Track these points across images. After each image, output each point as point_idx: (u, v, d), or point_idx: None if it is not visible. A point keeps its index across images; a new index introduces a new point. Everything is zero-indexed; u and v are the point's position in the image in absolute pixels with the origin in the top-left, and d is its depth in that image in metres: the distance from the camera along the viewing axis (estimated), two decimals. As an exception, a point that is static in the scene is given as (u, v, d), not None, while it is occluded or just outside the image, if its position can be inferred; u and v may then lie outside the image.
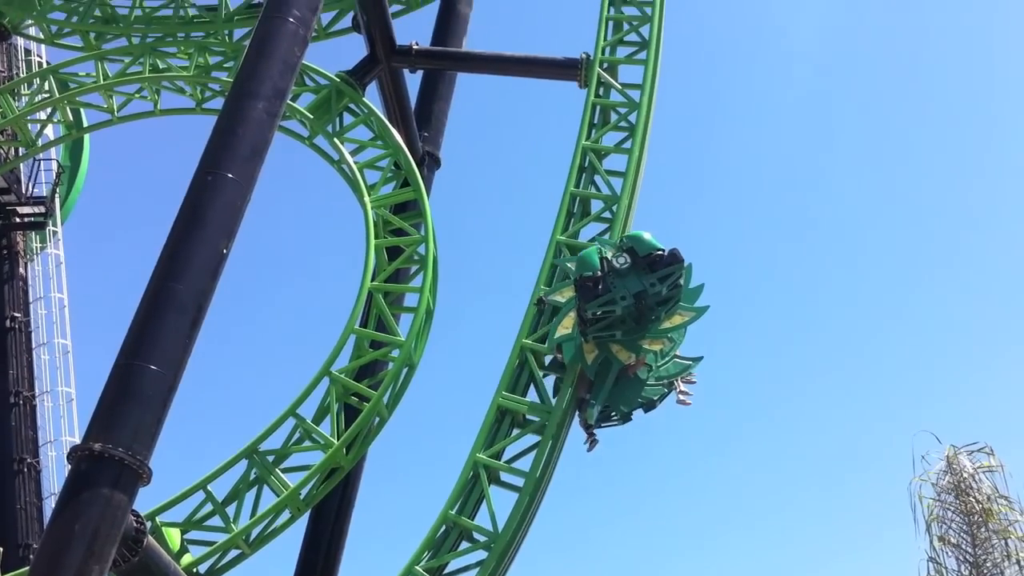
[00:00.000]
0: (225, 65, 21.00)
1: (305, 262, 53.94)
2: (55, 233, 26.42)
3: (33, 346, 25.13)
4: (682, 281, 15.38)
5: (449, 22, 22.42)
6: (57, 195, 26.53)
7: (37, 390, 24.68)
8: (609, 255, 15.45)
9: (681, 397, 15.47)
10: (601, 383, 15.31)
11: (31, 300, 25.73)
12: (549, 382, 15.86)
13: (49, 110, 22.06)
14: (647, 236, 15.52)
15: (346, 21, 20.98)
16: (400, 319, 17.25)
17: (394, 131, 19.06)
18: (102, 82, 21.40)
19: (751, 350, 56.55)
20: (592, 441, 15.35)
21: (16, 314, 25.16)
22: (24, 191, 25.99)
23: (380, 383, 15.97)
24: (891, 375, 56.26)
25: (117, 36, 22.30)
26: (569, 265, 16.22)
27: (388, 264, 17.51)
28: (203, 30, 21.75)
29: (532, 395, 15.73)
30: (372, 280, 17.03)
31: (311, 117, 19.14)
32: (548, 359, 15.96)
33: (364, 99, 19.47)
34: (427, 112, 22.01)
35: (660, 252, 15.31)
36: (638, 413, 15.56)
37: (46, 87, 22.04)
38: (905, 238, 58.41)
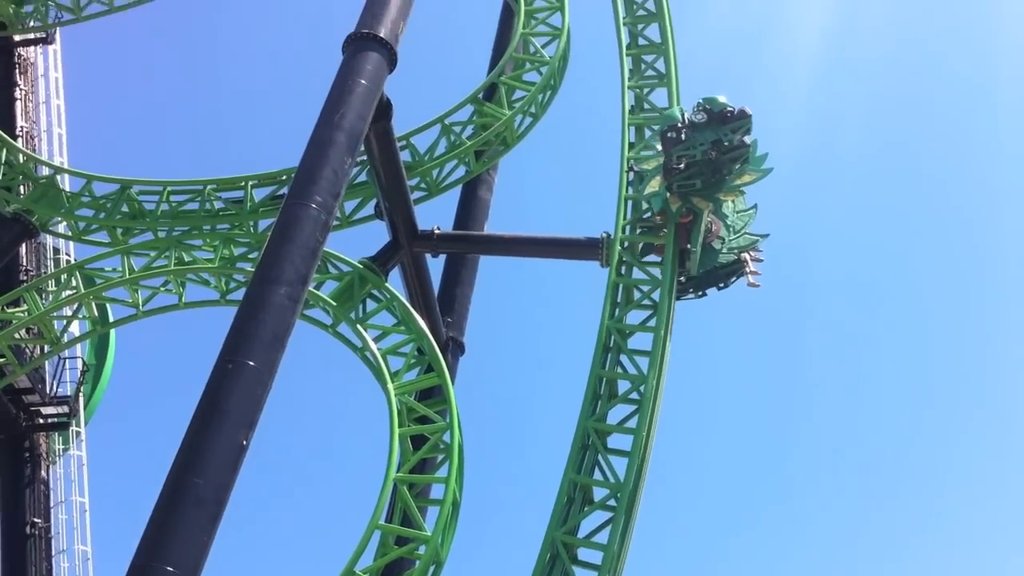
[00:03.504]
0: (250, 256, 21.15)
1: (327, 452, 53.16)
2: (78, 434, 26.11)
3: (53, 553, 24.52)
4: (748, 139, 17.74)
5: (470, 208, 22.78)
6: (81, 394, 26.37)
7: (55, 598, 23.95)
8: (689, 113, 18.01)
9: (751, 279, 18.24)
10: (696, 231, 17.94)
11: (52, 505, 25.24)
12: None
13: (75, 306, 22.13)
14: (720, 97, 17.90)
15: (368, 209, 21.18)
16: (426, 511, 16.73)
17: (417, 316, 18.99)
18: (128, 276, 21.57)
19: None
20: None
21: (36, 519, 24.68)
22: (48, 390, 25.86)
23: (407, 582, 15.33)
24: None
25: (144, 231, 22.55)
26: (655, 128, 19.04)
27: (413, 454, 17.14)
28: (228, 222, 21.95)
29: None
30: (397, 471, 16.63)
31: (334, 304, 19.13)
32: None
33: (387, 284, 19.50)
34: (450, 298, 22.11)
35: (731, 109, 17.71)
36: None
37: (72, 283, 22.21)
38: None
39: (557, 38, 21.81)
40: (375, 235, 20.74)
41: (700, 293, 18.75)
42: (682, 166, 17.86)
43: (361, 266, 19.60)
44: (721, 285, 18.68)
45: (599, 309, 18.06)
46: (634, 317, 18.11)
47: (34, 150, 27.88)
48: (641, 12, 22.33)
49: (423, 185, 20.97)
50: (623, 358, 17.64)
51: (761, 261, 18.45)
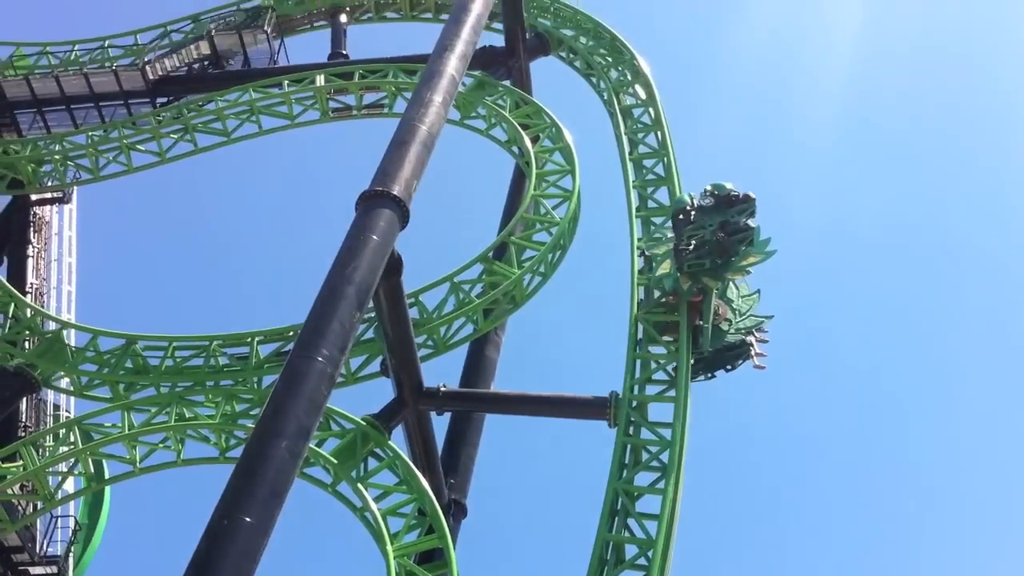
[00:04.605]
0: (252, 412, 20.81)
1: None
2: (67, 595, 25.34)
3: None
4: (753, 222, 18.98)
5: (477, 367, 22.64)
6: (72, 554, 25.67)
7: None
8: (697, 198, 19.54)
9: (756, 361, 19.17)
10: (707, 306, 19.06)
11: (35, 670, 24.27)
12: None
13: (71, 461, 21.65)
14: (727, 184, 19.38)
15: (374, 366, 20.95)
16: None
17: (420, 476, 18.54)
18: (127, 432, 21.19)
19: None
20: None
21: None
22: (38, 549, 25.17)
23: None
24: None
25: (147, 387, 22.30)
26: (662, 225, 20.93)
27: (412, 620, 16.47)
28: (232, 378, 21.76)
29: None
30: None
31: (335, 462, 18.70)
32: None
33: (390, 442, 19.10)
34: (454, 458, 21.70)
35: (737, 193, 19.20)
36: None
37: (70, 438, 21.81)
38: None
39: (568, 200, 21.98)
40: (379, 392, 20.49)
41: (710, 375, 19.52)
42: (692, 246, 19.07)
43: (364, 423, 19.26)
44: (729, 367, 19.50)
45: (606, 470, 17.65)
46: (643, 478, 17.68)
47: (43, 306, 27.97)
48: (651, 176, 22.77)
49: (430, 342, 20.75)
50: (631, 521, 17.12)
51: (767, 342, 19.45)
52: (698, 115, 52.23)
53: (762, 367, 19.15)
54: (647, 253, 20.41)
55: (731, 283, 19.61)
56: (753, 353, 19.19)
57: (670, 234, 19.84)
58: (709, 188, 19.49)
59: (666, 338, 19.41)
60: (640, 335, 19.59)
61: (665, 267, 19.64)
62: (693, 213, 19.28)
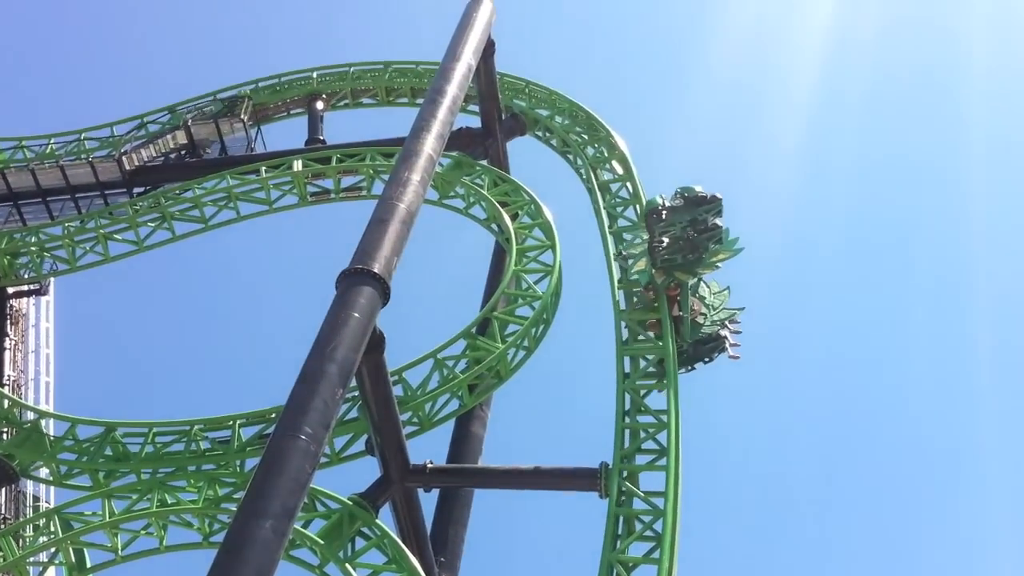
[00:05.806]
0: (235, 496, 20.48)
1: None
2: None
3: None
4: (721, 221, 20.56)
5: (463, 443, 22.45)
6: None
7: None
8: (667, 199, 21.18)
9: (731, 352, 20.64)
10: (684, 298, 20.57)
11: None
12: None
13: (52, 551, 21.19)
14: (696, 187, 21.01)
15: (359, 445, 20.66)
16: None
17: (409, 554, 18.23)
18: (108, 520, 20.81)
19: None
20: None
21: None
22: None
23: None
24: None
25: (127, 474, 21.92)
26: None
27: None
28: (214, 462, 21.42)
29: None
30: None
31: (321, 543, 18.37)
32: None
33: (378, 521, 18.81)
34: (443, 536, 21.39)
35: (705, 194, 20.85)
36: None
37: (51, 528, 21.36)
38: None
39: (549, 274, 22.03)
40: (365, 471, 20.22)
41: (689, 368, 20.67)
42: (664, 243, 20.54)
43: (350, 503, 18.97)
44: (707, 359, 20.74)
45: (600, 541, 17.40)
46: (637, 548, 17.43)
47: (21, 397, 27.63)
48: (632, 249, 22.86)
49: (415, 419, 20.52)
50: (626, 593, 16.86)
51: (740, 333, 20.90)
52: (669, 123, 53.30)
53: (737, 357, 20.65)
54: (624, 253, 21.86)
55: (702, 281, 21.07)
56: (728, 344, 20.58)
57: (645, 236, 21.27)
58: (679, 189, 21.07)
59: (649, 333, 20.61)
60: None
61: (641, 264, 21.06)
62: (664, 212, 20.79)
